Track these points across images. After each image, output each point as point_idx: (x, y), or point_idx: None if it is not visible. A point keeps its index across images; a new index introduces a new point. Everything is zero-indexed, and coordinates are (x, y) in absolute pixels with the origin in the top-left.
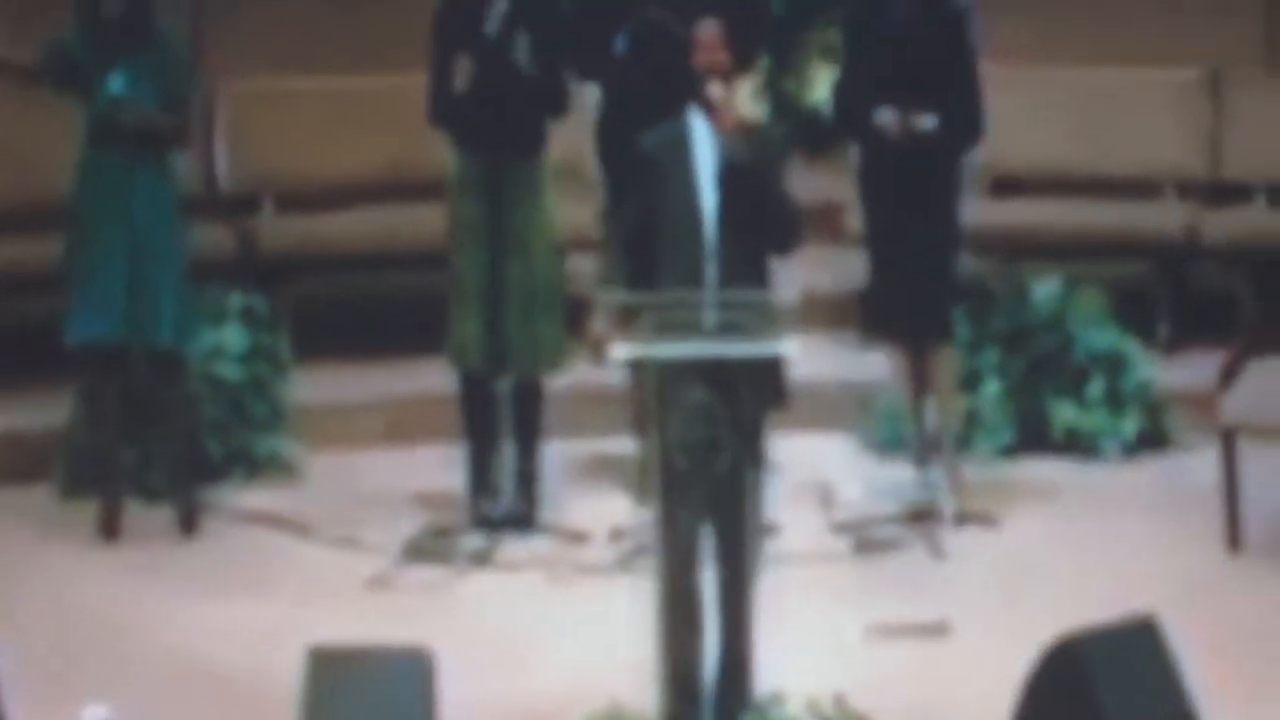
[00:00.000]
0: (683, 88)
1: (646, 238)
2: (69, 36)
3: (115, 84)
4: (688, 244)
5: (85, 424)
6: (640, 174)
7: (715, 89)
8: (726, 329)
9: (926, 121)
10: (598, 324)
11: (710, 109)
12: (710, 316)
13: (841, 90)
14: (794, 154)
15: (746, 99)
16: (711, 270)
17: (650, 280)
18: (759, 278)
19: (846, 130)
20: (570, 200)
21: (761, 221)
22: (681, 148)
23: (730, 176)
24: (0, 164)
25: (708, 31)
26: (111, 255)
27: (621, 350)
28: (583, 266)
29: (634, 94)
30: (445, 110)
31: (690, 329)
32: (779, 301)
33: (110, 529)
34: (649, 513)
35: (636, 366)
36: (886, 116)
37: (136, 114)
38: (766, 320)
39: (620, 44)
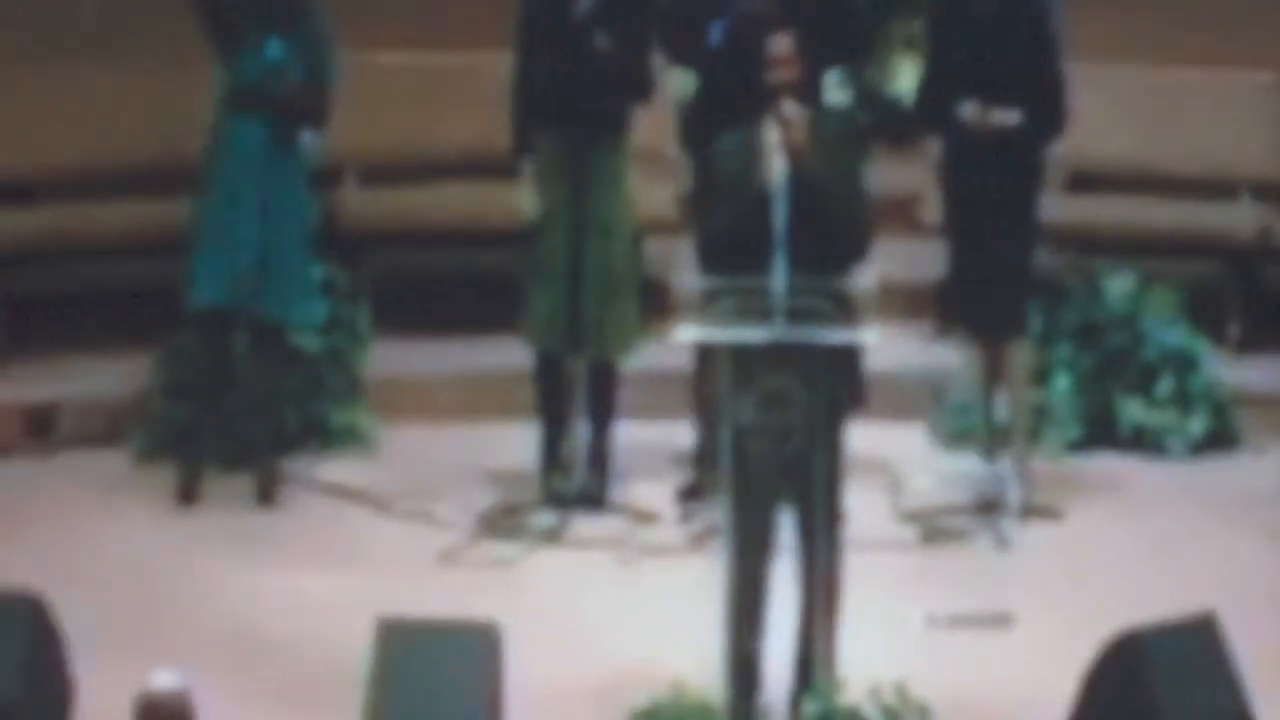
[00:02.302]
0: (763, 89)
1: (726, 235)
2: None
3: (273, 50)
4: (760, 247)
5: (167, 389)
6: (718, 174)
7: (788, 106)
8: (802, 316)
9: (1009, 116)
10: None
11: (783, 124)
12: (784, 303)
13: (925, 82)
14: (875, 145)
15: (832, 87)
16: (780, 276)
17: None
18: (835, 272)
19: (929, 122)
20: (650, 185)
21: (827, 234)
22: (753, 157)
23: (798, 189)
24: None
25: (780, 46)
26: (246, 223)
27: (688, 333)
28: (659, 250)
29: (725, 85)
30: (530, 92)
31: (764, 315)
32: (855, 290)
33: (188, 495)
34: (719, 496)
35: (702, 351)
36: (969, 110)
37: (289, 85)
38: (842, 309)
39: (714, 34)
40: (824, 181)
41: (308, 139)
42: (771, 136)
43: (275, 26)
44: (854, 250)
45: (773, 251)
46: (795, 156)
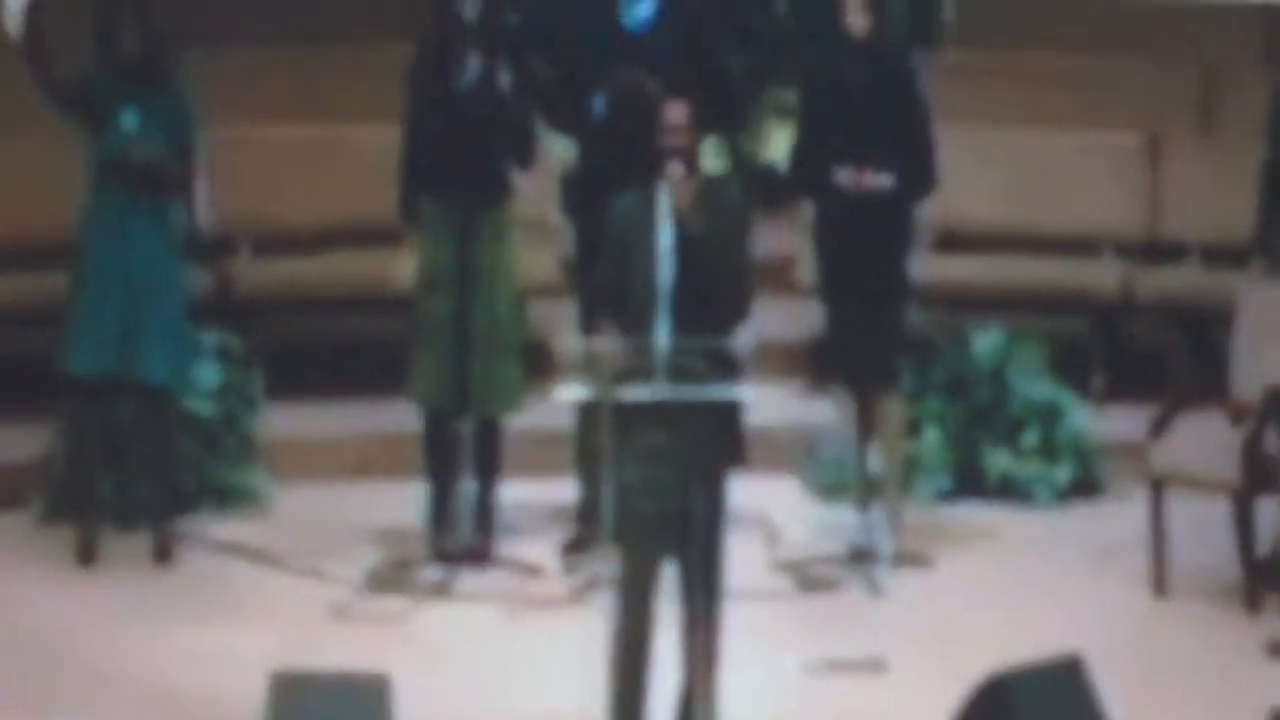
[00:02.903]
0: (653, 154)
1: (611, 294)
2: (85, 69)
3: (129, 122)
4: (645, 307)
5: (64, 454)
6: (608, 234)
7: (675, 169)
8: (681, 375)
9: (882, 180)
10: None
11: (673, 188)
12: (666, 362)
13: (798, 148)
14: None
15: (708, 154)
16: (663, 331)
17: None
18: (717, 335)
19: (803, 188)
20: (532, 249)
21: (711, 294)
22: (647, 215)
23: (685, 251)
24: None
25: (675, 113)
26: (111, 292)
27: (569, 392)
28: (542, 312)
29: (608, 153)
30: (418, 160)
31: (646, 375)
32: (734, 350)
33: (87, 555)
34: (602, 550)
35: (585, 409)
36: (845, 177)
37: (146, 154)
38: (723, 367)
39: (597, 105)
40: (709, 244)
41: (176, 208)
42: (662, 199)
43: (134, 99)
44: (734, 312)
45: (656, 310)
46: (683, 219)
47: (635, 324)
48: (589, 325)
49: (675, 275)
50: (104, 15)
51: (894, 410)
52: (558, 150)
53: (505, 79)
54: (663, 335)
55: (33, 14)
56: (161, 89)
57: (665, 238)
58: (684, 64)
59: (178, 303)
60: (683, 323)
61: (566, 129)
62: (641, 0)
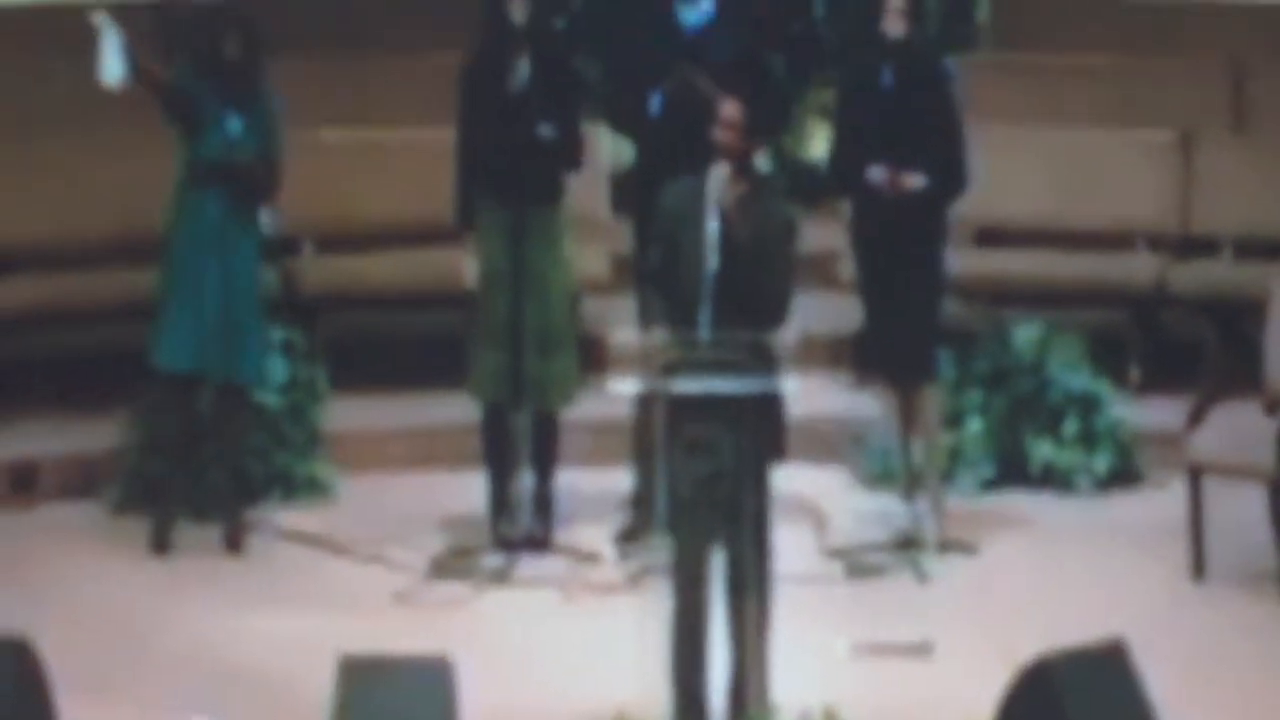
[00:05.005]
0: (705, 148)
1: (663, 277)
2: (183, 73)
3: (233, 127)
4: (692, 293)
5: (139, 445)
6: (659, 218)
7: (723, 166)
8: (728, 368)
9: (915, 179)
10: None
11: (727, 182)
12: (712, 356)
13: (835, 149)
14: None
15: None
16: (705, 322)
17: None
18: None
19: (840, 186)
20: (584, 247)
21: (748, 295)
22: (696, 205)
23: (727, 248)
24: (86, 200)
25: (729, 112)
26: (206, 291)
27: (623, 385)
28: (595, 308)
29: (666, 151)
30: (472, 163)
31: (695, 368)
32: (777, 344)
33: (162, 544)
34: (656, 538)
35: (642, 400)
36: (877, 174)
37: (247, 158)
38: (764, 361)
39: (655, 103)
40: (750, 248)
41: (263, 212)
42: (710, 191)
43: (233, 104)
44: (770, 316)
45: (702, 297)
46: (727, 217)
47: (683, 310)
48: (646, 319)
49: (718, 269)
50: (207, 22)
51: (931, 403)
52: (608, 149)
53: (555, 82)
54: (705, 324)
55: (129, 53)
56: (257, 95)
57: (711, 230)
58: (738, 65)
59: (263, 303)
60: (721, 316)
61: (627, 129)
62: (698, 1)
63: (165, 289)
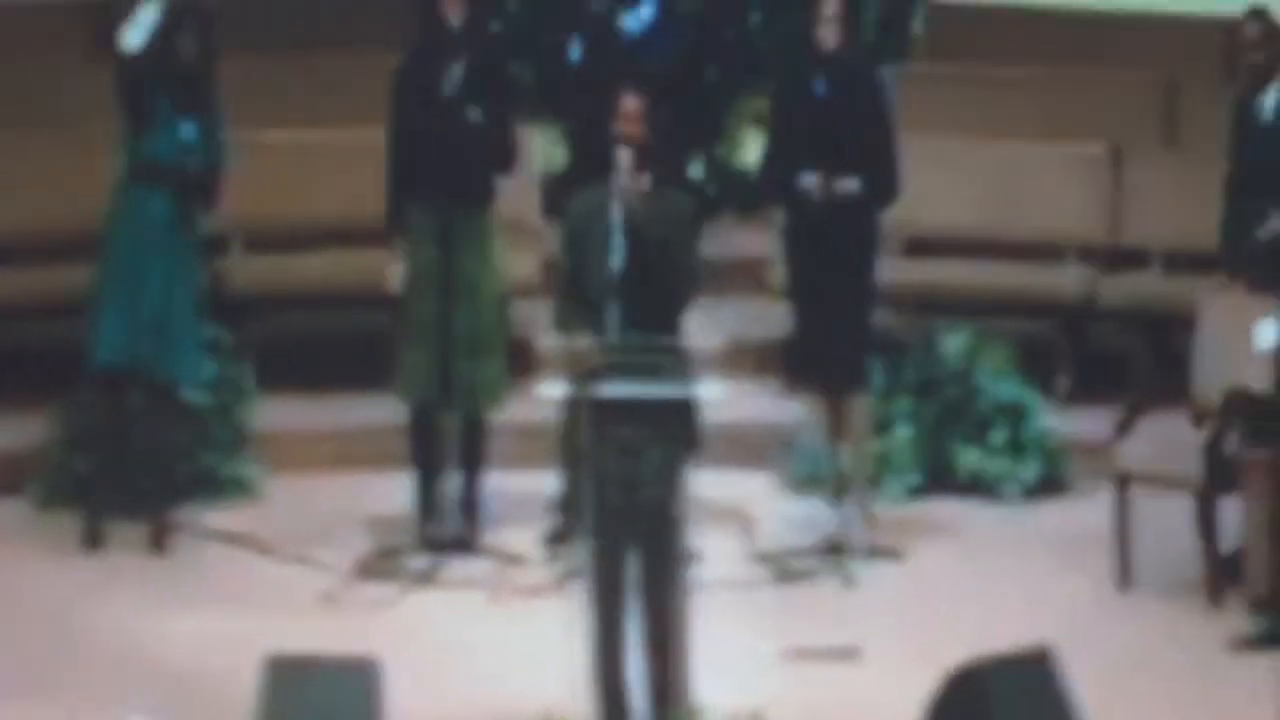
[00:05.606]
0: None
1: (575, 285)
2: (137, 69)
3: (186, 131)
4: (600, 297)
5: (66, 442)
6: (569, 229)
7: (625, 156)
8: (649, 372)
9: (848, 185)
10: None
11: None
12: (635, 359)
13: (768, 156)
14: (724, 213)
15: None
16: (614, 319)
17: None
18: (665, 328)
19: (773, 193)
20: (513, 250)
21: (657, 280)
22: (601, 207)
23: (631, 237)
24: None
25: (628, 103)
26: (143, 289)
27: (551, 390)
28: (524, 311)
29: (597, 156)
30: (403, 165)
31: (616, 371)
32: (694, 348)
33: (93, 541)
34: (581, 540)
35: (567, 405)
36: (810, 181)
37: (197, 164)
38: (681, 365)
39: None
40: (655, 234)
41: (200, 216)
42: (615, 191)
43: (188, 108)
44: (674, 304)
45: (609, 299)
46: (630, 209)
47: (594, 314)
48: (564, 324)
49: (624, 265)
50: (168, 21)
51: (861, 410)
52: (539, 153)
53: (489, 85)
54: (614, 325)
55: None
56: (210, 100)
57: (615, 223)
58: (675, 71)
59: (197, 303)
60: (630, 313)
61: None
62: (638, 8)
63: (101, 285)
